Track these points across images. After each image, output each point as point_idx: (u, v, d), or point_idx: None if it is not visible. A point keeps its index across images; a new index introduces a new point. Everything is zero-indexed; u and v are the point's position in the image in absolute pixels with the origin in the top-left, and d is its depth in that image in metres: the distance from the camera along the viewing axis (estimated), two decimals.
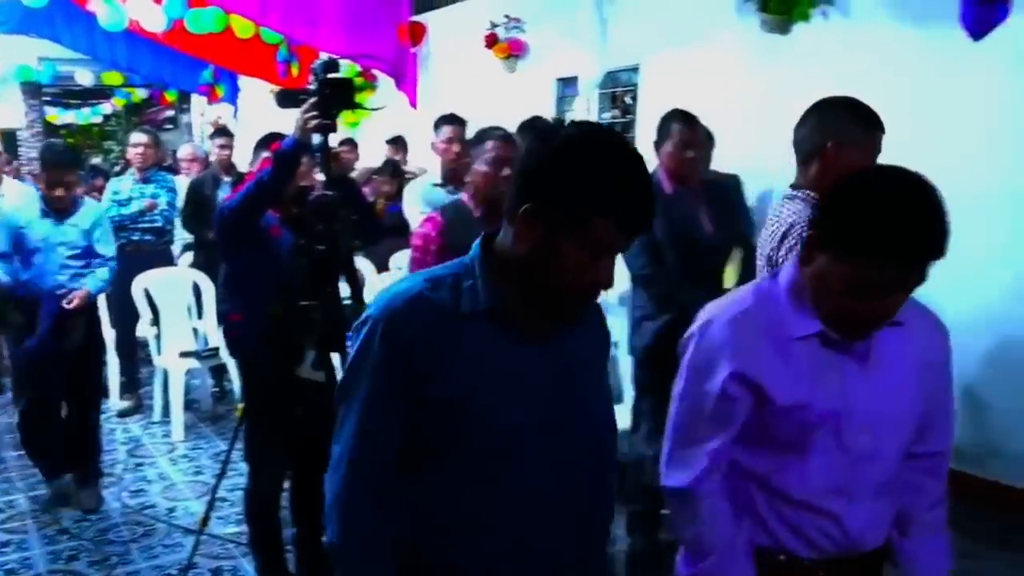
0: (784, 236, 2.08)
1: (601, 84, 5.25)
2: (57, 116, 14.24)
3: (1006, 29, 3.29)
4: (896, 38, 3.78)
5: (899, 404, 1.49)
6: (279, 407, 2.81)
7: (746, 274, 2.98)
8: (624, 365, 3.68)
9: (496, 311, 1.26)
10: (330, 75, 2.72)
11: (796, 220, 2.06)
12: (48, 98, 13.10)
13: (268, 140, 2.92)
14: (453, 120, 3.98)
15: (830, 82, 3.98)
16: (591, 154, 1.19)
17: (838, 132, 2.12)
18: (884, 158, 3.67)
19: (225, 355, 4.94)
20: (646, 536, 3.24)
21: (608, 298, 4.08)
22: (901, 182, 1.35)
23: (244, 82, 8.57)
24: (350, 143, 5.91)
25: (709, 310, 1.56)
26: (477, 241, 1.32)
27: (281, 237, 2.84)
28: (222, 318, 3.26)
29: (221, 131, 5.98)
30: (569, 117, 5.52)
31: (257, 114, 8.52)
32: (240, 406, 2.98)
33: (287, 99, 2.86)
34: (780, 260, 2.06)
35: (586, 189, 1.17)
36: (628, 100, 5.32)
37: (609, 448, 1.45)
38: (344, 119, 7.57)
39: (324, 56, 2.77)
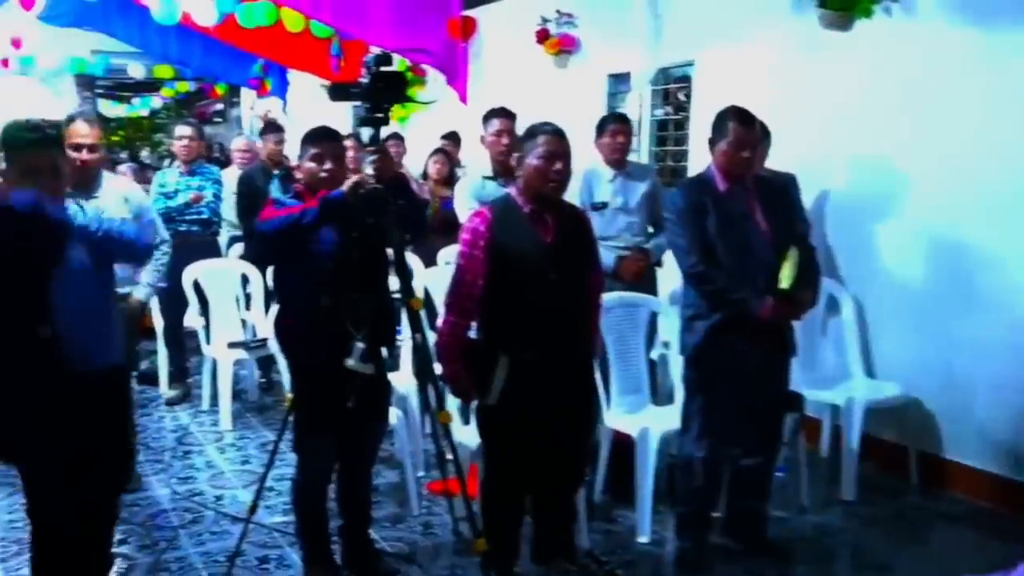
0: None
1: (653, 80, 5.23)
2: (109, 108, 14.59)
3: None
4: (962, 36, 3.71)
5: None
6: (328, 399, 2.84)
7: (803, 274, 2.97)
8: (675, 364, 3.70)
9: None
10: (383, 68, 2.77)
11: None
12: (101, 91, 13.42)
13: (313, 136, 2.96)
14: (503, 113, 4.03)
15: (893, 82, 3.96)
16: None
17: None
18: (954, 158, 3.67)
19: (273, 347, 5.04)
20: (696, 538, 3.25)
21: (659, 297, 4.09)
22: None
23: (293, 76, 8.69)
24: (397, 137, 5.99)
25: None
26: None
27: (322, 231, 2.86)
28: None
29: (273, 126, 6.10)
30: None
31: (306, 107, 8.65)
32: (289, 396, 3.04)
33: (339, 93, 2.92)
34: None
35: None
36: (682, 97, 5.30)
37: None
38: (393, 113, 7.68)
39: (377, 50, 2.81)
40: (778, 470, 3.56)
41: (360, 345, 2.74)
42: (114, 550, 3.39)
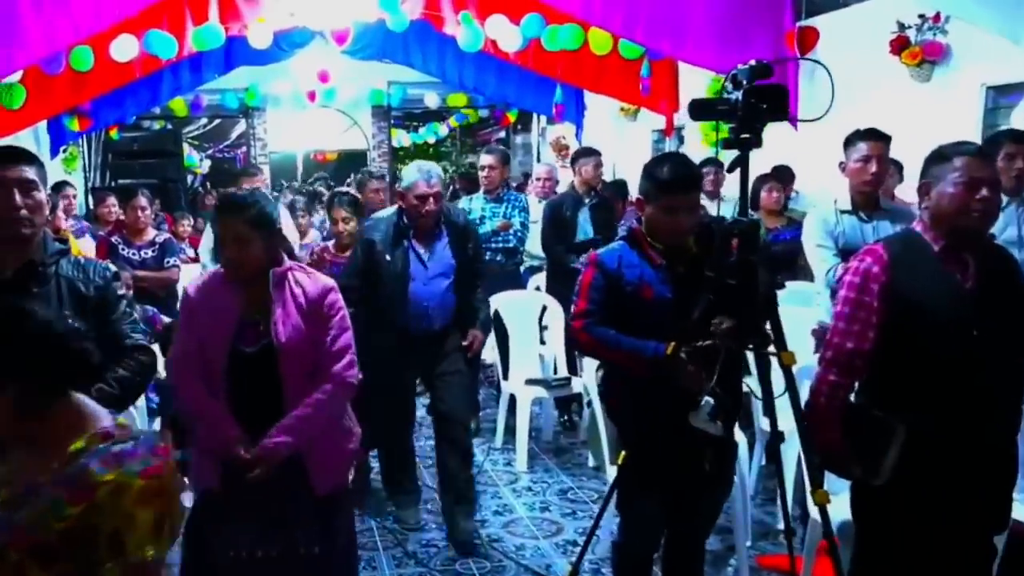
0: None
1: None
2: (400, 137, 15.74)
3: None
4: None
5: None
6: (662, 458, 2.67)
7: None
8: None
9: None
10: (759, 81, 2.53)
11: None
12: (395, 120, 14.50)
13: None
14: (872, 135, 3.60)
15: None
16: None
17: None
18: None
19: (577, 385, 4.95)
20: None
21: None
22: None
23: (588, 100, 8.71)
24: (715, 164, 5.68)
25: None
26: None
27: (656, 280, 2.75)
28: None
29: (589, 151, 6.07)
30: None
31: (600, 133, 8.64)
32: (622, 453, 2.85)
33: (702, 110, 2.69)
34: None
35: None
36: None
37: None
38: (707, 138, 7.35)
39: (752, 62, 2.57)
40: None
41: (709, 401, 2.52)
42: None
